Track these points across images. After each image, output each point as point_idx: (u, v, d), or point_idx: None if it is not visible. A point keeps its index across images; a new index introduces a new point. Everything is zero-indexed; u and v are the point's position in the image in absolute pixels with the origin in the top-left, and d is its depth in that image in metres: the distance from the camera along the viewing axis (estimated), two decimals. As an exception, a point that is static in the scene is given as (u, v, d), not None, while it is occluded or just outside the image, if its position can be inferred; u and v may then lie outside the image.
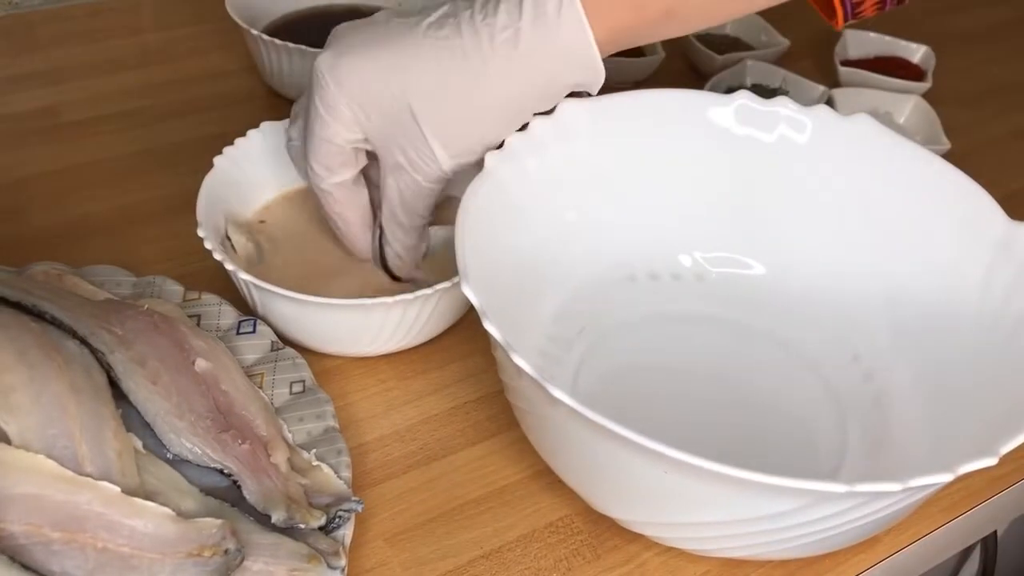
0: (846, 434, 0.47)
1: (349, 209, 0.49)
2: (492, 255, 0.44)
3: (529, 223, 0.48)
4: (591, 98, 0.50)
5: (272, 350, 0.49)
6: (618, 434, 0.34)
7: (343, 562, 0.40)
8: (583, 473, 0.41)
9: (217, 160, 0.53)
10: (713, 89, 0.69)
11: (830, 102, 0.70)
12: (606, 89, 0.51)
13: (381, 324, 0.48)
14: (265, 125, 0.56)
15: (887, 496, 0.35)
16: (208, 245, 0.48)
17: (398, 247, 0.50)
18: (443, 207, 0.53)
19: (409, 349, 0.52)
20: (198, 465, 0.43)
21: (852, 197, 0.50)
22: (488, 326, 0.38)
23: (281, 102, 0.69)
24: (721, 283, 0.53)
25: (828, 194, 0.51)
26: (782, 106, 0.50)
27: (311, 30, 0.69)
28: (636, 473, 0.37)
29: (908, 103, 0.71)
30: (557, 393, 0.35)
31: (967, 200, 0.46)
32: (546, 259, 0.49)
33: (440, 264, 0.52)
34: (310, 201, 0.58)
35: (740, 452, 0.44)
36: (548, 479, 0.45)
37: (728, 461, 0.33)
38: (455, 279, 0.47)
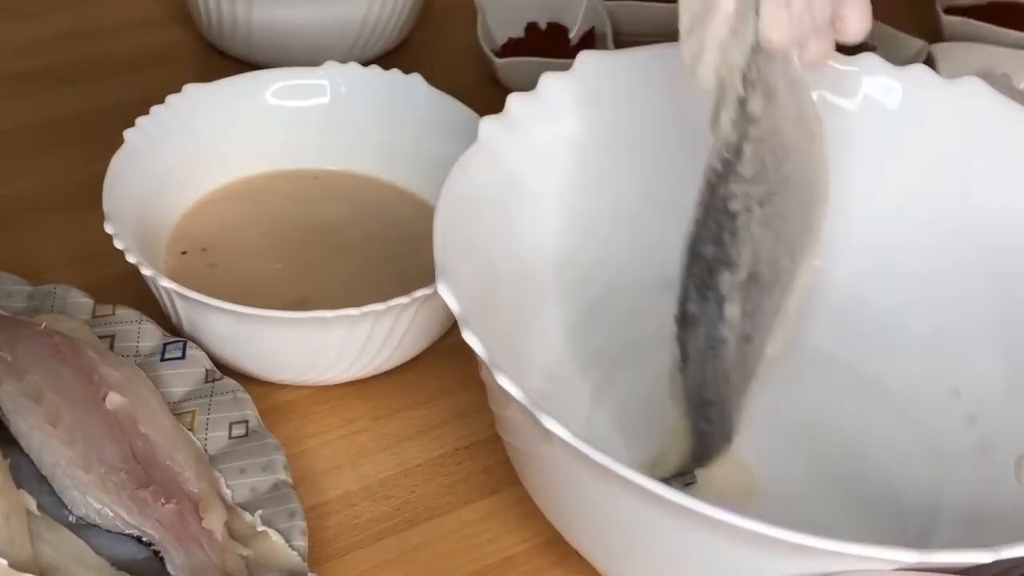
0: (941, 489, 0.47)
1: None
2: (484, 251, 0.44)
3: (534, 211, 0.48)
4: (616, 51, 0.50)
5: (207, 381, 0.49)
6: (632, 482, 0.34)
7: (295, 657, 0.40)
8: (593, 534, 0.41)
9: (129, 134, 0.53)
10: (778, 43, 0.69)
11: (929, 61, 0.70)
12: (634, 42, 0.51)
13: (344, 343, 0.48)
14: (190, 89, 0.56)
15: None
16: (119, 244, 0.48)
17: None
18: None
19: (383, 378, 0.52)
20: (109, 531, 0.43)
21: (955, 181, 0.50)
22: (467, 336, 0.38)
23: (222, 61, 0.69)
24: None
25: (924, 177, 0.51)
26: (867, 65, 0.50)
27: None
28: (660, 534, 0.37)
29: (1031, 61, 0.71)
30: (551, 424, 0.35)
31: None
32: (556, 259, 0.49)
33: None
34: (253, 187, 0.58)
35: (801, 509, 0.45)
36: (562, 549, 0.45)
37: (786, 521, 0.33)
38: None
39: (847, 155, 0.51)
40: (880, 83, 0.51)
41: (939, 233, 0.51)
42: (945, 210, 0.50)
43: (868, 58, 0.51)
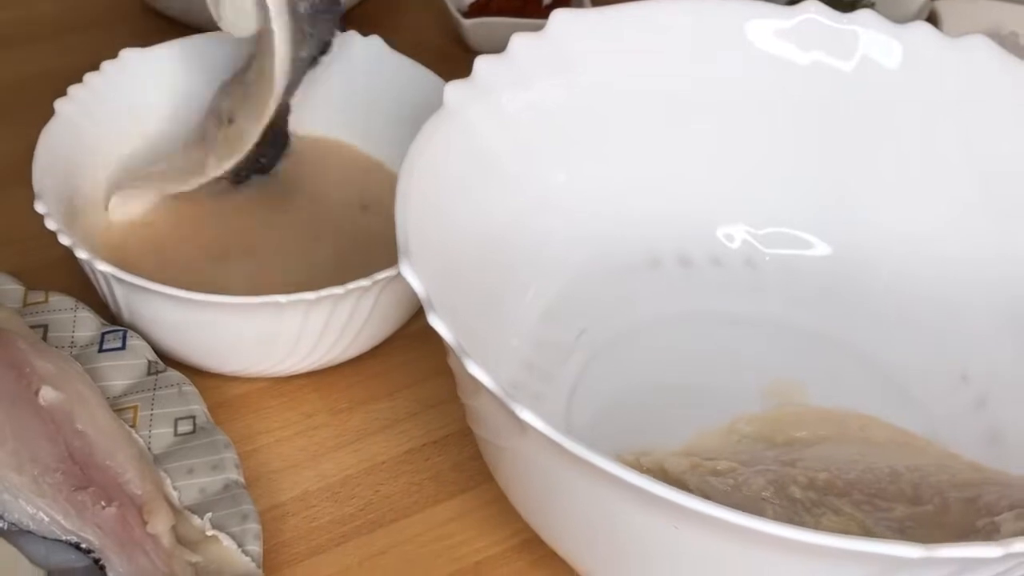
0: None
1: None
2: (452, 228, 0.44)
3: (507, 184, 0.48)
4: (593, 10, 0.50)
5: (150, 373, 0.49)
6: (613, 475, 0.34)
7: (250, 672, 0.40)
8: (572, 534, 0.41)
9: (60, 105, 0.53)
10: (770, -1, 0.69)
11: (932, 18, 0.70)
12: None
13: (299, 330, 0.48)
14: (127, 54, 0.56)
15: (983, 564, 0.35)
16: (51, 224, 0.48)
17: None
18: None
19: (344, 368, 0.52)
20: (44, 538, 0.42)
21: (960, 150, 0.50)
22: (433, 320, 0.38)
23: (162, 23, 0.69)
24: (778, 270, 0.53)
25: (927, 146, 0.51)
26: (864, 23, 0.51)
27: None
28: (644, 532, 0.37)
29: (1043, 18, 0.71)
30: (524, 413, 0.35)
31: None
32: (532, 235, 0.49)
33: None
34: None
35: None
36: (539, 551, 0.45)
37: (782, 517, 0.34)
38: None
39: (842, 119, 0.52)
40: (878, 42, 0.51)
41: (943, 204, 0.51)
42: (949, 178, 0.51)
43: (865, 15, 0.51)
